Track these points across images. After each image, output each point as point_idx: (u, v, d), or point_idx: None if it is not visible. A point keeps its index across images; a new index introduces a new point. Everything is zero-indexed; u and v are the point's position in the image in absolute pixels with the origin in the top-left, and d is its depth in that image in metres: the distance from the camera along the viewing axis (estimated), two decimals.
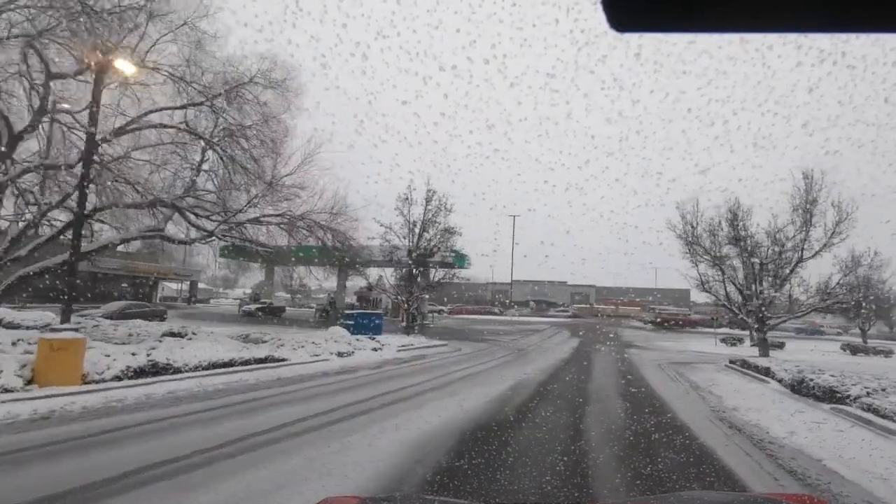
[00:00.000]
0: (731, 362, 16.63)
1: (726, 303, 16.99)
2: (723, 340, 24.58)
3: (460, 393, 9.20)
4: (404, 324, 34.10)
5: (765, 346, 16.19)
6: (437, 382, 10.46)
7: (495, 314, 61.13)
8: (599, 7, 0.56)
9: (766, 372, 13.30)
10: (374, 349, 16.16)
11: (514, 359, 16.37)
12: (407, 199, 22.13)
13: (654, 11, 0.56)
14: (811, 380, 10.46)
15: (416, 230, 22.01)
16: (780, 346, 23.17)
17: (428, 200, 21.87)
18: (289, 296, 63.61)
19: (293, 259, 27.04)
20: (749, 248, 15.89)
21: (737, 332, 28.96)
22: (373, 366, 12.95)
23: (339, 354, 14.05)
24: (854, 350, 21.91)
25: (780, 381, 12.26)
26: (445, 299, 67.94)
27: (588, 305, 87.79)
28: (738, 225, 16.06)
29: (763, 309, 15.74)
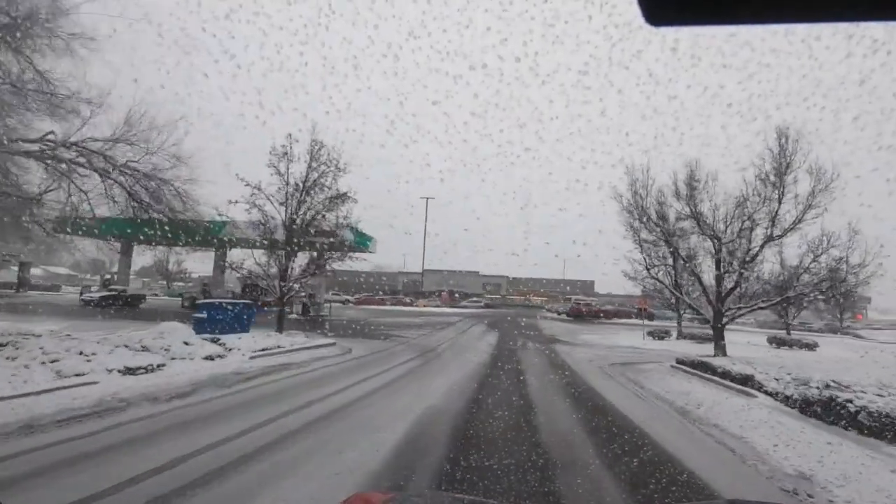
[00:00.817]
0: (679, 362, 13.51)
1: (674, 290, 13.84)
2: (650, 334, 22.14)
3: (297, 474, 4.33)
4: (295, 317, 28.22)
5: (721, 344, 13.20)
6: (261, 438, 5.43)
7: (407, 304, 56.62)
8: (634, 1, 0.53)
9: (746, 381, 10.01)
10: (211, 357, 10.62)
11: (418, 367, 11.77)
12: (286, 153, 16.48)
13: (692, 3, 0.53)
14: (847, 401, 7.04)
15: (299, 195, 16.48)
16: (708, 339, 21.14)
17: (313, 156, 16.40)
18: (164, 282, 53.57)
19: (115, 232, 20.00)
20: (710, 226, 12.74)
21: (659, 324, 27.14)
22: (176, 393, 7.52)
23: (129, 371, 8.39)
24: (780, 343, 20.47)
25: (774, 395, 8.92)
26: (336, 286, 62.37)
27: (500, 296, 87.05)
28: (695, 197, 12.87)
29: (721, 298, 12.69)
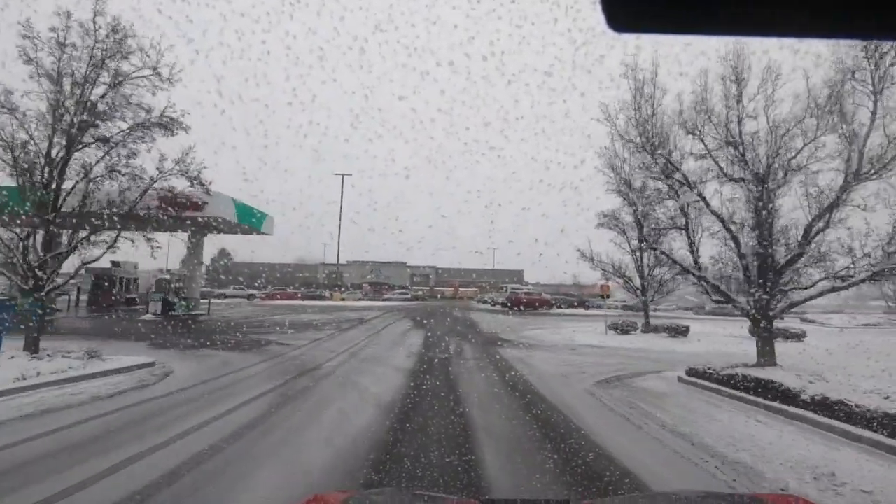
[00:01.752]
0: (697, 375, 8.57)
1: (694, 270, 8.84)
2: (612, 327, 17.50)
3: None
4: (150, 317, 20.29)
5: (770, 345, 8.34)
6: None
7: (326, 298, 49.17)
8: (598, 7, 0.54)
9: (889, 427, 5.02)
10: None
11: (262, 417, 5.61)
12: (61, 43, 9.33)
13: (653, 13, 0.54)
14: None
15: (77, 111, 9.36)
16: (684, 331, 16.89)
17: (100, 43, 9.35)
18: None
19: None
20: (758, 160, 7.77)
21: (600, 313, 22.89)
22: None
23: None
24: None
25: None
26: (246, 278, 54.09)
27: (429, 287, 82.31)
28: (738, 112, 7.85)
29: (775, 275, 7.80)
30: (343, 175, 38.51)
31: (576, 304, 39.75)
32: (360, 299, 51.51)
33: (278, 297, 49.91)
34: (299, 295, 50.18)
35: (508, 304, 31.90)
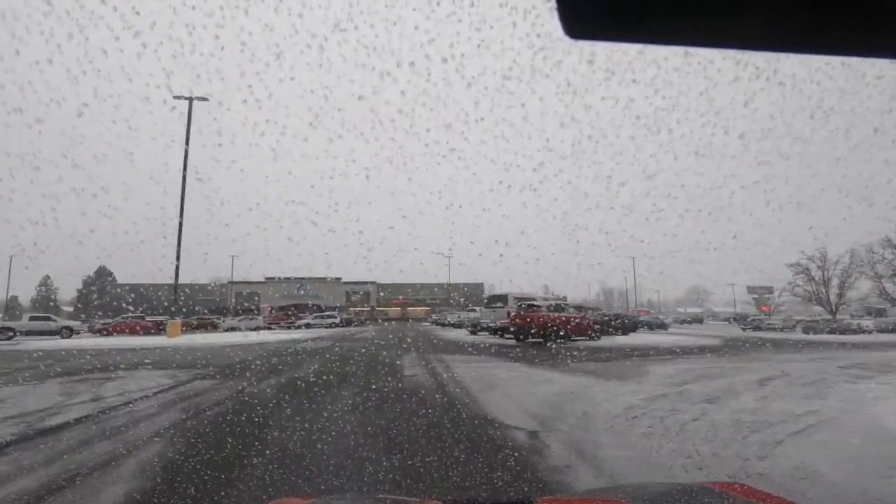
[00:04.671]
0: None
1: None
2: None
3: None
4: None
5: None
6: None
7: (217, 328, 29.99)
8: (555, 14, 0.54)
9: None
10: None
11: None
12: None
13: (608, 21, 0.54)
14: None
15: None
16: None
17: None
18: None
19: None
20: None
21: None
22: None
23: None
24: None
25: None
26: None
27: (368, 308, 63.32)
28: None
29: None
30: (190, 99, 19.71)
31: (615, 327, 21.64)
32: (256, 328, 32.65)
33: (113, 331, 30.02)
34: (150, 326, 30.50)
35: (515, 331, 14.83)
